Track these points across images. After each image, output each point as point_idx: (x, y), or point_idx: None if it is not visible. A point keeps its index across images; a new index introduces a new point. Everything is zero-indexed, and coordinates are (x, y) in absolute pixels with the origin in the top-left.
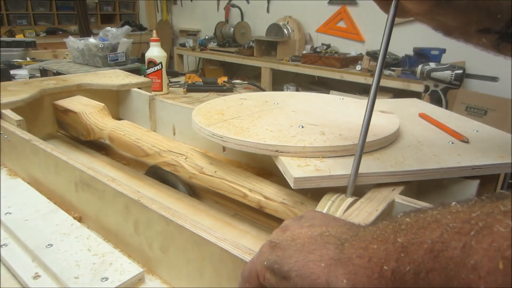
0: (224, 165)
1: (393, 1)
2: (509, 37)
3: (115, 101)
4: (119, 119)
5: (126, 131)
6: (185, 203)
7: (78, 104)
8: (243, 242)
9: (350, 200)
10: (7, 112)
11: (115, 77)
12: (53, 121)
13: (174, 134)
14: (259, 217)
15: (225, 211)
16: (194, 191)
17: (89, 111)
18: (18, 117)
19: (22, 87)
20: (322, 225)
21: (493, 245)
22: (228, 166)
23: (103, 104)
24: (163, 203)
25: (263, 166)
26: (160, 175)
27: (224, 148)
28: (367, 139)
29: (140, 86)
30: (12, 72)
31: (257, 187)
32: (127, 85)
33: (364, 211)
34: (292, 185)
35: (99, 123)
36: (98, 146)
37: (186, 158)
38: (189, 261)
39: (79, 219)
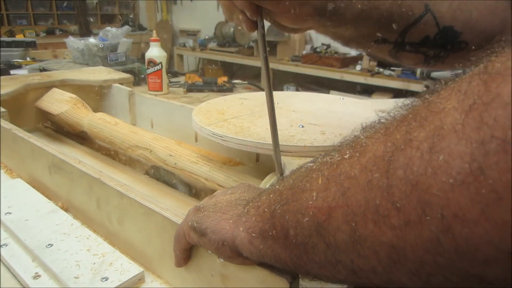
0: (183, 156)
1: (259, 24)
2: (403, 46)
3: (98, 96)
4: None
5: (100, 128)
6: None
7: (55, 102)
8: None
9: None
10: None
11: (98, 73)
12: (37, 115)
13: (152, 126)
14: None
15: None
16: (194, 191)
17: (65, 109)
18: (2, 109)
19: (7, 82)
20: (242, 192)
21: (323, 173)
22: (188, 158)
23: (76, 96)
24: (146, 193)
25: (230, 155)
26: (160, 175)
27: (196, 139)
28: None
29: (121, 82)
30: (12, 72)
31: (213, 175)
32: (108, 80)
33: None
34: None
35: (76, 120)
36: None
37: (151, 151)
38: (140, 230)
39: (66, 209)
